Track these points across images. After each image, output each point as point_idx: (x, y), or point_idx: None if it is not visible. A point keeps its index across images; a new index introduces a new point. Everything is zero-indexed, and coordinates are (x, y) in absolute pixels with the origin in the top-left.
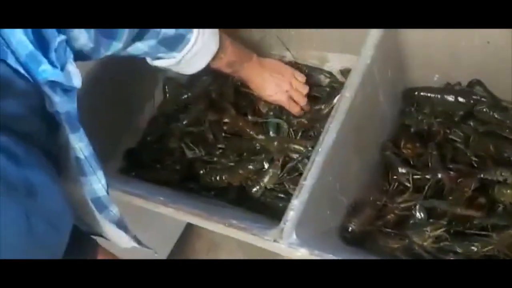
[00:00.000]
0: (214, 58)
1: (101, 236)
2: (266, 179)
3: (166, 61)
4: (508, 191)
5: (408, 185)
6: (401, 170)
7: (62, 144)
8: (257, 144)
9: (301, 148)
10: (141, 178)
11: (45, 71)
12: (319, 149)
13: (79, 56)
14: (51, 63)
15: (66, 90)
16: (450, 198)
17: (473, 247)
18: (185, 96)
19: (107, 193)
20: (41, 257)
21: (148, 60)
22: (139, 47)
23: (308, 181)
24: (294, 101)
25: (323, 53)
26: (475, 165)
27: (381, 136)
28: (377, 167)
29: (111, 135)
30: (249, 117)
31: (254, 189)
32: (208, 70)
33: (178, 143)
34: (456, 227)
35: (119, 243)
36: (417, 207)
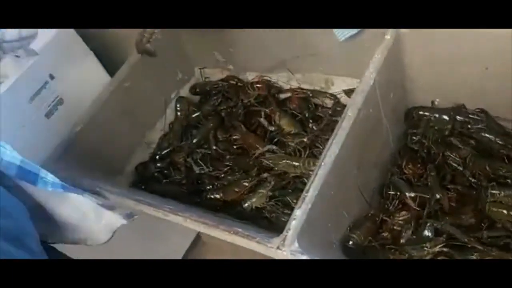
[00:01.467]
0: None
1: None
2: (254, 199)
3: None
4: (500, 209)
5: (413, 206)
6: (409, 194)
7: None
8: (264, 162)
9: (309, 168)
10: (150, 191)
11: None
12: (322, 163)
13: None
14: None
15: None
16: (447, 218)
17: (472, 257)
18: (196, 114)
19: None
20: None
21: None
22: None
23: (310, 192)
24: None
25: (328, 77)
26: (473, 185)
27: (383, 154)
28: (378, 184)
29: (123, 149)
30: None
31: (245, 205)
32: (218, 90)
33: (186, 159)
34: (455, 241)
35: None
36: (427, 225)
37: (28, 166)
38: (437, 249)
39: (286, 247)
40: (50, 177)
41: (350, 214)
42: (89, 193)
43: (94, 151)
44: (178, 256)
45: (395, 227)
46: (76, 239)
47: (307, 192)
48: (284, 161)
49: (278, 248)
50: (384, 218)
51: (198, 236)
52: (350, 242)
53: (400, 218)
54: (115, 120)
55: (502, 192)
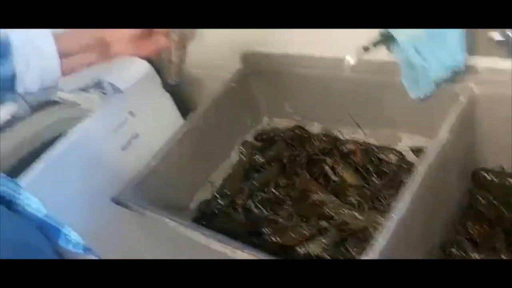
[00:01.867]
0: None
1: None
2: (311, 246)
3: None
4: None
5: None
6: (474, 255)
7: None
8: (326, 210)
9: (374, 220)
10: (211, 228)
11: None
12: (392, 215)
13: None
14: None
15: None
16: None
17: None
18: (259, 159)
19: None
20: None
21: None
22: None
23: (379, 242)
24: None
25: (396, 133)
26: None
27: (448, 212)
28: (441, 241)
29: (189, 187)
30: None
31: (300, 250)
32: (281, 138)
33: (246, 201)
34: None
35: None
36: None
37: (52, 220)
38: None
39: None
40: (73, 235)
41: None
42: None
43: (162, 187)
44: None
45: None
46: None
47: (376, 241)
48: (346, 211)
49: None
50: None
51: None
52: None
53: None
54: (185, 159)
55: None
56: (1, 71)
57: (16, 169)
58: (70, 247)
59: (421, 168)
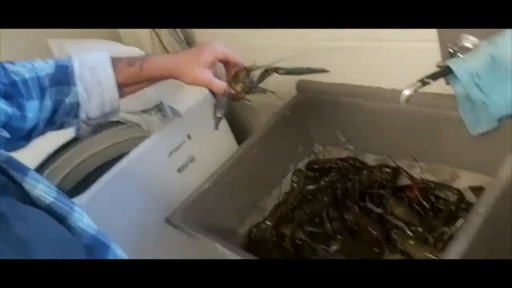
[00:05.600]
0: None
1: None
2: None
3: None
4: None
5: None
6: None
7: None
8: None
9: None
10: (258, 255)
11: None
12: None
13: None
14: None
15: None
16: None
17: None
18: (311, 188)
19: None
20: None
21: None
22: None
23: None
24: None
25: (454, 169)
26: None
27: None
28: None
29: (238, 213)
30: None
31: None
32: (334, 168)
33: (294, 231)
34: None
35: None
36: None
37: (102, 236)
38: None
39: None
40: (120, 252)
41: None
42: None
43: (213, 210)
44: None
45: None
46: None
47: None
48: (412, 241)
49: None
50: None
51: None
52: None
53: None
54: (237, 184)
55: None
56: (67, 100)
57: (80, 186)
58: None
59: (479, 208)
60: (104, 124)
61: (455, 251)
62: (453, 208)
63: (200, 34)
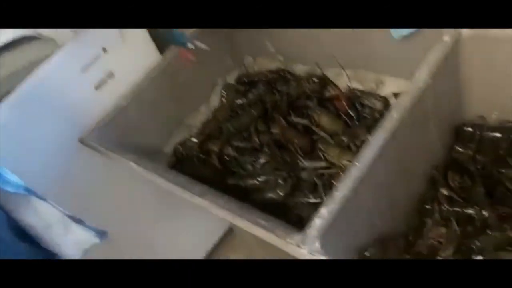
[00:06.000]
0: None
1: None
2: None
3: None
4: None
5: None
6: (443, 191)
7: None
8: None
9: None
10: (184, 173)
11: None
12: (357, 163)
13: None
14: None
15: None
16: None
17: None
18: (240, 102)
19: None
20: None
21: None
22: None
23: (340, 192)
24: None
25: (380, 76)
26: None
27: (427, 166)
28: (418, 198)
29: (163, 131)
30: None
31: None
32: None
33: (223, 147)
34: None
35: None
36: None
37: None
38: None
39: (306, 246)
40: (11, 176)
41: (384, 224)
42: (53, 203)
43: (134, 129)
44: (208, 245)
45: (431, 242)
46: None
47: (337, 191)
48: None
49: (298, 246)
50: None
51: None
52: (368, 254)
53: (434, 236)
54: (160, 99)
55: None
56: None
57: None
58: (8, 189)
59: (394, 113)
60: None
61: (366, 156)
62: (377, 115)
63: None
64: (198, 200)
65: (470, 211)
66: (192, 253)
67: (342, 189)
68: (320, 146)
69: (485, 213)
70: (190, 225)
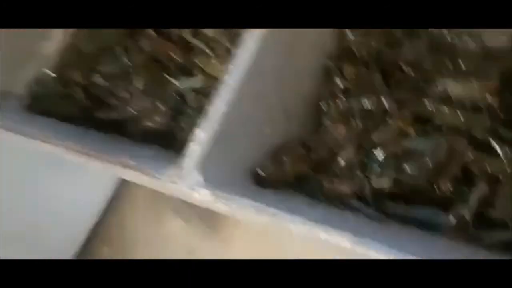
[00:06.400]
0: None
1: None
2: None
3: None
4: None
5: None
6: (337, 82)
7: None
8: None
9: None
10: (47, 114)
11: None
12: (232, 68)
13: None
14: None
15: None
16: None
17: None
18: None
19: None
20: None
21: None
22: None
23: (217, 108)
24: None
25: None
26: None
27: (319, 58)
28: (312, 99)
29: (10, 65)
30: None
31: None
32: None
33: (85, 75)
34: None
35: None
36: (378, 152)
37: None
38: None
39: (185, 180)
40: None
41: (277, 132)
42: None
43: None
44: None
45: (331, 144)
46: None
47: (212, 106)
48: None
49: (173, 181)
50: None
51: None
52: (258, 173)
53: (338, 133)
54: None
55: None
56: None
57: None
58: None
59: None
60: None
61: (243, 59)
62: None
63: None
64: (49, 148)
65: (368, 101)
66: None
67: (219, 104)
68: (196, 60)
69: (384, 101)
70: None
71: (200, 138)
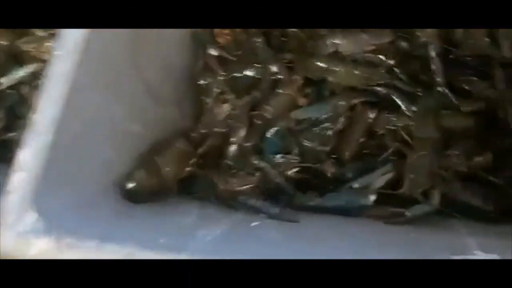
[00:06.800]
0: None
1: None
2: None
3: None
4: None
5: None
6: (212, 52)
7: None
8: None
9: None
10: None
11: None
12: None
13: None
14: None
15: None
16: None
17: None
18: None
19: None
20: None
21: None
22: None
23: (43, 117)
24: None
25: None
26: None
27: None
28: (185, 75)
29: None
30: None
31: None
32: None
33: None
34: None
35: None
36: (273, 130)
37: None
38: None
39: (12, 228)
40: None
41: (149, 134)
42: None
43: None
44: None
45: (218, 127)
46: None
47: (38, 115)
48: None
49: None
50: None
51: None
52: (128, 187)
53: (223, 112)
54: None
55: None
56: None
57: None
58: None
59: None
60: None
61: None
62: None
63: None
64: None
65: (252, 70)
66: None
67: (45, 111)
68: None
69: (272, 67)
70: None
71: (25, 161)
